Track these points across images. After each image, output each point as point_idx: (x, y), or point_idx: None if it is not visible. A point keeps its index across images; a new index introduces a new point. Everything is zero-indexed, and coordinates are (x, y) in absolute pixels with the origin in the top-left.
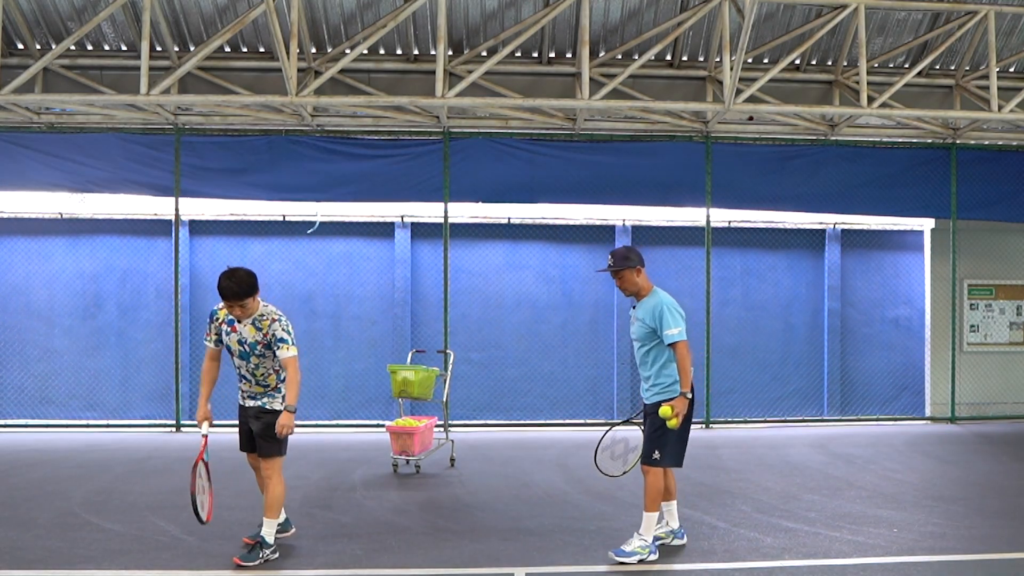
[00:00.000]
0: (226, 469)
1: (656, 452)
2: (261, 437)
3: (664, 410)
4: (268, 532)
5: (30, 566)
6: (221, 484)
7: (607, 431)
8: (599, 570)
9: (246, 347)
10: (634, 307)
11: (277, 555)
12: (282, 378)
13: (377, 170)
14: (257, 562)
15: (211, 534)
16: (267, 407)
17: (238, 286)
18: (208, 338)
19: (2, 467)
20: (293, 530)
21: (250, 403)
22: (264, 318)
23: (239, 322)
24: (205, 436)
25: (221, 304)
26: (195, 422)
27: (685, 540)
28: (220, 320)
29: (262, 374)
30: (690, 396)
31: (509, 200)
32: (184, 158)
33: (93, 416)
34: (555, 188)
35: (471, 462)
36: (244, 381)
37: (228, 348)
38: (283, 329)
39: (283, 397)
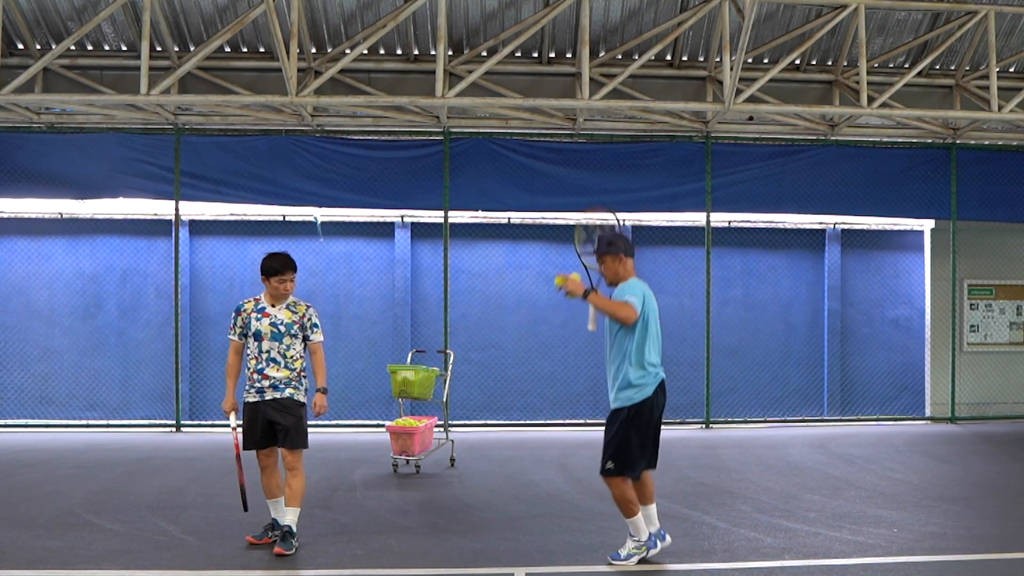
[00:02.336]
0: (225, 469)
1: (609, 463)
2: (295, 429)
3: (559, 279)
4: (294, 520)
5: (30, 566)
6: (220, 484)
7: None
8: (599, 570)
9: (281, 328)
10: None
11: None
12: (304, 365)
13: (377, 176)
14: (294, 549)
15: (211, 534)
16: (296, 399)
17: (288, 260)
18: (232, 332)
19: (2, 467)
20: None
21: (273, 395)
22: (299, 304)
23: (272, 307)
24: (235, 428)
25: (247, 299)
26: (195, 422)
27: (668, 541)
28: (248, 311)
29: (292, 356)
30: (592, 293)
31: (509, 209)
32: (184, 162)
33: (93, 416)
34: (555, 197)
35: (471, 462)
36: (272, 365)
37: (257, 334)
38: (317, 316)
39: (305, 390)
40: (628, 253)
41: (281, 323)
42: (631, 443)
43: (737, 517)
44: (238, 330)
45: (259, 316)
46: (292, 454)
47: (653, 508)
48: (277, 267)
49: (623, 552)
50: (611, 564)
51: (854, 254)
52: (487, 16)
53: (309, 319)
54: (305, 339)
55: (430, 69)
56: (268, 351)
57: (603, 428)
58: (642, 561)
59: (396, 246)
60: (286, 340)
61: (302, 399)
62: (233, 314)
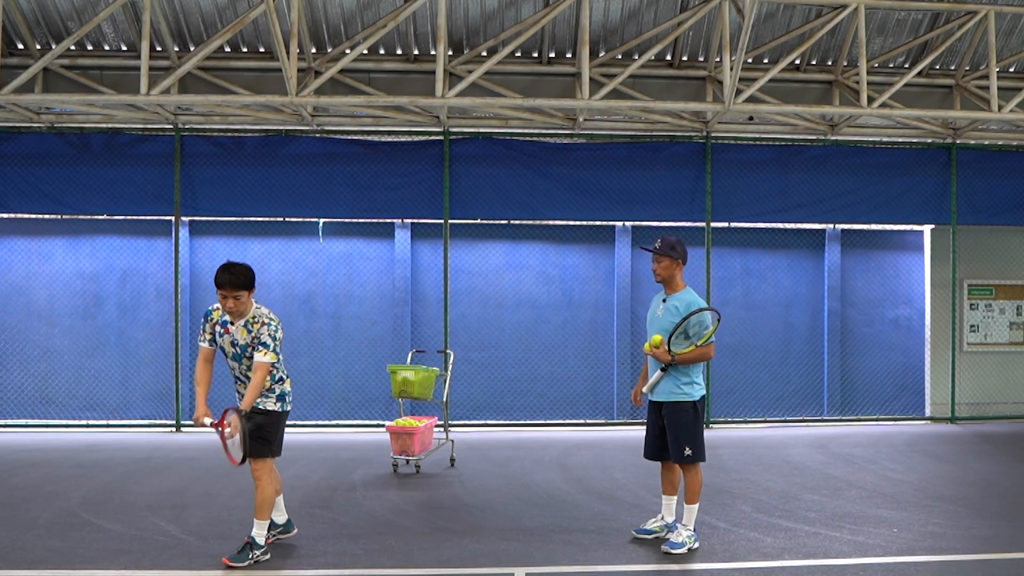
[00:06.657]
0: (224, 469)
1: (687, 449)
2: (252, 437)
3: (656, 338)
4: (259, 533)
5: (30, 566)
6: (219, 484)
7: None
8: (599, 570)
9: (238, 349)
10: (664, 299)
11: (268, 556)
12: (277, 378)
13: (376, 183)
14: (247, 563)
15: (211, 534)
16: (259, 406)
17: (236, 277)
18: (202, 338)
19: (2, 467)
20: (295, 531)
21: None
22: (256, 320)
23: (232, 324)
24: (213, 424)
25: (216, 305)
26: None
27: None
28: (215, 321)
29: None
30: (674, 361)
31: (509, 216)
32: (183, 171)
33: (93, 416)
34: (556, 203)
35: (471, 462)
36: (239, 383)
37: (222, 349)
38: (268, 334)
39: (278, 396)
40: (684, 261)
41: (237, 344)
42: (701, 432)
43: (737, 517)
44: (208, 336)
45: (222, 332)
46: (252, 462)
47: (675, 500)
48: (219, 283)
49: (677, 539)
50: (669, 552)
51: (854, 254)
52: (487, 16)
53: (258, 338)
54: None
55: (430, 69)
56: (233, 369)
57: (603, 426)
58: (690, 551)
59: (396, 246)
60: (245, 362)
61: (271, 407)
62: (203, 320)
